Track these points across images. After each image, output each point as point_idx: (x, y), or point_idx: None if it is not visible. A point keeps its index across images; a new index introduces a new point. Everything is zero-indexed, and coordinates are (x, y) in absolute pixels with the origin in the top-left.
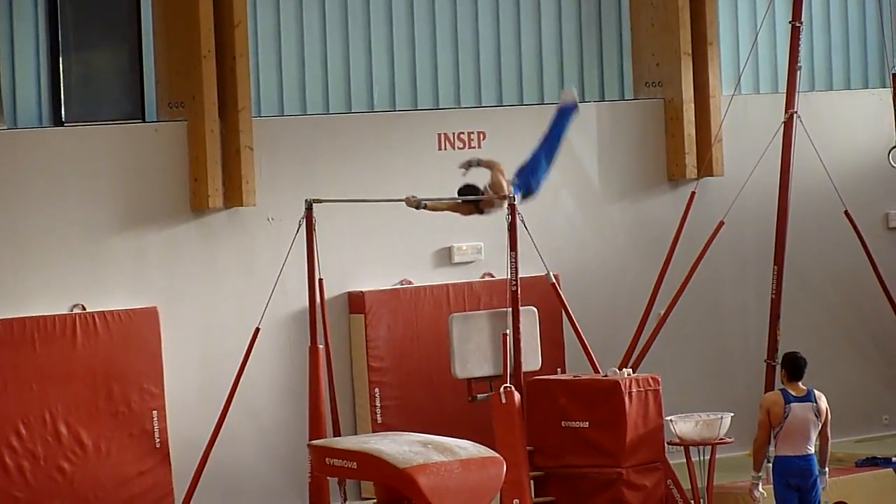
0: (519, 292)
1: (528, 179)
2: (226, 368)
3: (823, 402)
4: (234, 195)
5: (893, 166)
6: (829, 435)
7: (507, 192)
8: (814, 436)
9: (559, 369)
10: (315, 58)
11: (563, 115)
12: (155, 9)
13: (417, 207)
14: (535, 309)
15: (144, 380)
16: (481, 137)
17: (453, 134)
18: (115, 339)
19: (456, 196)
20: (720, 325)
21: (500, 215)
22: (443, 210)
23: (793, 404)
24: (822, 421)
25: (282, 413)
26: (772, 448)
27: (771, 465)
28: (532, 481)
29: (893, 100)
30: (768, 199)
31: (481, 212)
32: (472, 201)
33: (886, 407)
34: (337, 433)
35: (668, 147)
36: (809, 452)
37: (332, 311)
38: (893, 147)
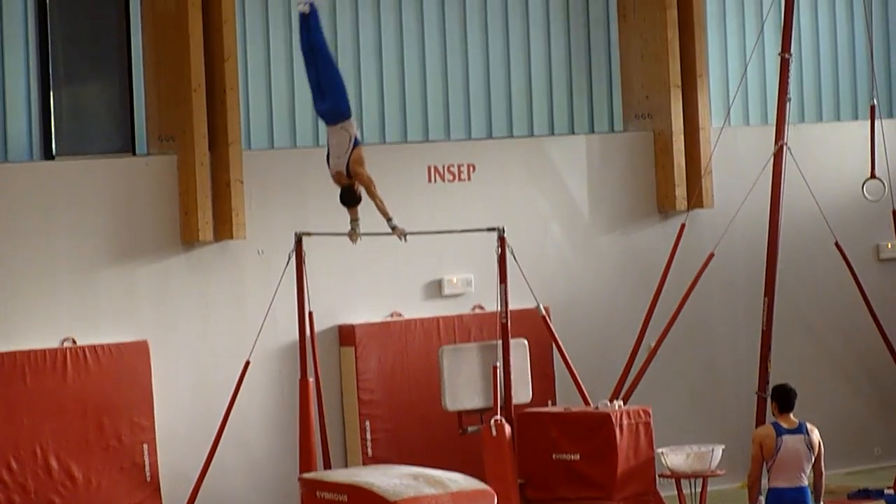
0: (509, 325)
1: (339, 103)
2: (216, 401)
3: (816, 435)
4: (224, 228)
5: (867, 198)
6: (824, 469)
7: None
8: (807, 468)
9: (550, 401)
10: (305, 91)
11: (305, 26)
12: (145, 43)
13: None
14: (525, 341)
15: (135, 413)
16: (471, 170)
17: (443, 166)
18: (105, 372)
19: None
20: (711, 356)
21: (491, 248)
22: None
23: (785, 437)
24: (816, 454)
25: (272, 446)
26: (765, 481)
27: (764, 497)
28: None
29: (871, 132)
30: (758, 230)
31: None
32: (352, 198)
33: (878, 438)
34: (327, 466)
35: (657, 179)
36: (803, 484)
37: (322, 344)
38: (867, 179)
